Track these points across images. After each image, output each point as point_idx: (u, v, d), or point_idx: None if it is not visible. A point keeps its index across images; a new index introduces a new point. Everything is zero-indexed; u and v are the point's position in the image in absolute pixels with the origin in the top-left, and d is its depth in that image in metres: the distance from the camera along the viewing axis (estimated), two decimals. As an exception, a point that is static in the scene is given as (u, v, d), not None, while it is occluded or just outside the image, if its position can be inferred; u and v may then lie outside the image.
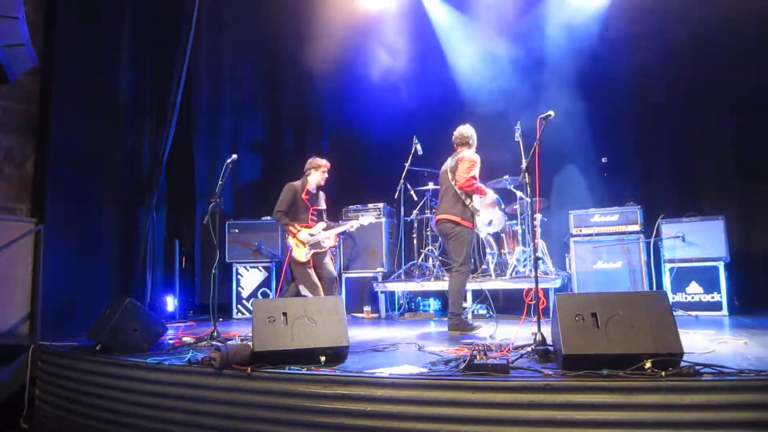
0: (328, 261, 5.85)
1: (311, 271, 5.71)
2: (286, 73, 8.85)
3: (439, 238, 5.71)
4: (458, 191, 5.29)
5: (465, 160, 5.32)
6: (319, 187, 5.95)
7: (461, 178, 5.27)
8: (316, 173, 5.84)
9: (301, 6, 8.46)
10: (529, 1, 7.94)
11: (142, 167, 7.44)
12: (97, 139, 6.97)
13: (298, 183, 5.88)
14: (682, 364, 3.00)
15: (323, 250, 5.82)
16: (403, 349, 4.32)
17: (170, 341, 4.91)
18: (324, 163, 5.88)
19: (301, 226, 5.74)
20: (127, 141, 7.35)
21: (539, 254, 6.77)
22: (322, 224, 5.89)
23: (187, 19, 7.35)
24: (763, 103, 6.84)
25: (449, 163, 5.50)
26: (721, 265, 6.03)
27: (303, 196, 5.80)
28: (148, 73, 7.60)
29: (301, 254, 5.70)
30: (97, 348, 4.46)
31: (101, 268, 6.91)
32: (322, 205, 6.00)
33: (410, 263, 7.28)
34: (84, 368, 4.37)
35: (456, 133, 5.58)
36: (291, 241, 5.76)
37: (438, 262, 7.03)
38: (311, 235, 5.72)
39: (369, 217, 6.39)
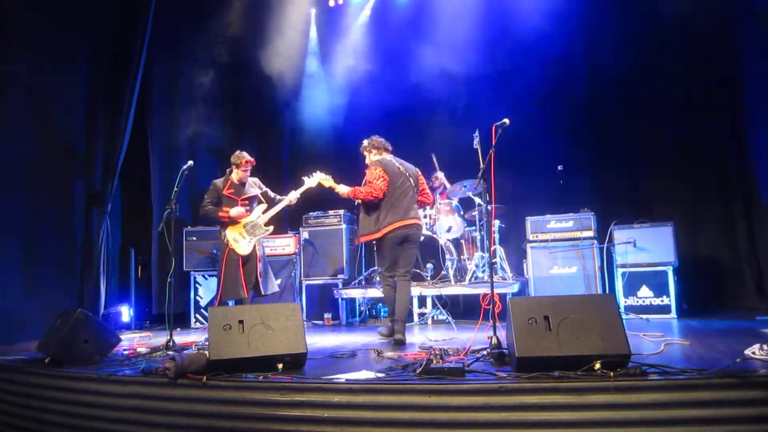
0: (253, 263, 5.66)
1: (243, 272, 5.54)
2: (246, 78, 8.79)
3: (407, 244, 5.20)
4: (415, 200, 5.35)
5: (422, 175, 5.50)
6: (244, 182, 5.76)
7: (429, 195, 5.52)
8: (237, 171, 5.68)
9: (261, 9, 8.44)
10: (488, 9, 8.10)
11: (95, 173, 7.28)
12: (47, 143, 6.80)
13: (221, 179, 5.80)
14: (630, 364, 3.10)
15: (265, 233, 5.70)
16: (361, 355, 4.33)
17: (124, 352, 4.81)
18: (244, 160, 5.64)
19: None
20: (79, 146, 7.18)
21: (496, 260, 6.91)
22: (262, 206, 5.76)
23: (143, 23, 7.26)
24: (707, 112, 7.14)
25: (406, 168, 5.32)
26: (670, 270, 6.24)
27: (226, 191, 5.68)
28: (102, 74, 7.46)
29: (242, 247, 5.55)
30: (47, 361, 4.33)
31: (52, 277, 6.73)
32: (252, 192, 5.80)
33: (371, 269, 7.30)
34: (32, 382, 4.22)
35: (385, 141, 5.47)
36: (228, 234, 5.59)
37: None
38: (246, 224, 5.60)
39: (313, 179, 5.80)
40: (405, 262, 5.19)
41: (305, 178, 5.77)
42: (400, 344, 4.83)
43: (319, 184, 5.59)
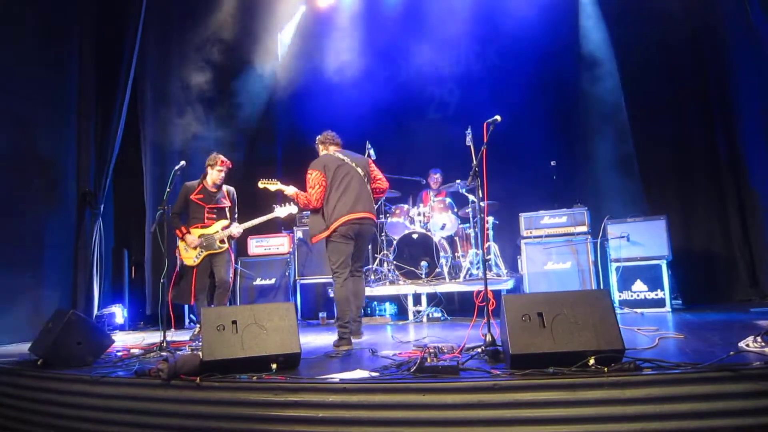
0: (222, 264, 5.62)
1: (198, 277, 5.59)
2: (237, 77, 8.75)
3: (361, 241, 5.00)
4: (370, 192, 5.05)
5: (372, 162, 5.29)
6: (218, 185, 5.71)
7: (383, 180, 5.21)
8: (212, 171, 5.63)
9: (252, 9, 8.40)
10: (479, 5, 8.09)
11: (88, 173, 7.24)
12: (38, 144, 6.75)
13: (193, 182, 5.73)
14: (624, 359, 3.09)
15: (219, 251, 5.63)
16: (356, 354, 4.32)
17: (118, 353, 4.77)
18: (220, 160, 5.61)
19: (197, 226, 5.61)
20: (72, 146, 7.14)
21: (490, 257, 6.91)
22: (222, 222, 5.69)
23: (134, 22, 7.21)
24: (698, 105, 7.16)
25: (352, 159, 5.05)
26: (663, 264, 6.25)
27: (194, 195, 5.62)
28: (94, 74, 7.41)
29: (189, 258, 5.60)
30: (39, 363, 4.30)
31: (45, 278, 6.69)
32: (224, 203, 5.75)
33: (365, 268, 7.27)
34: (25, 384, 4.19)
35: (334, 135, 5.23)
36: (180, 244, 5.65)
37: (393, 267, 7.06)
38: (201, 236, 5.60)
39: (284, 209, 5.95)
40: (356, 257, 5.02)
41: (276, 207, 5.87)
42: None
43: (266, 189, 5.28)
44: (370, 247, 7.38)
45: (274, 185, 5.20)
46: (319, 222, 4.90)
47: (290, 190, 5.10)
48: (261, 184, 5.28)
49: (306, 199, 4.93)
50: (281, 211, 5.93)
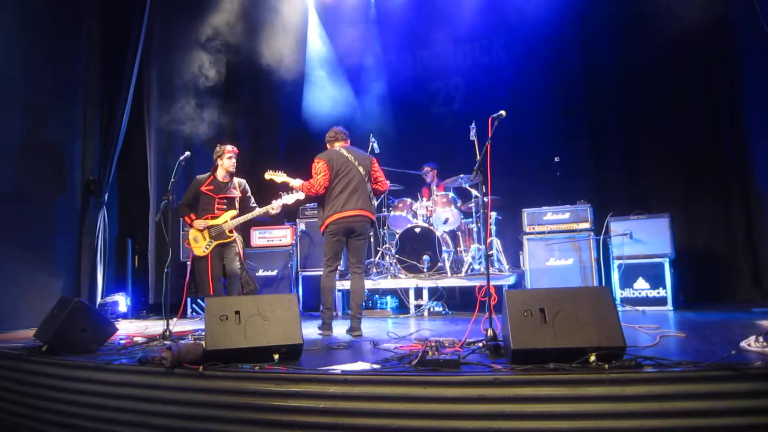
0: (233, 255, 5.58)
1: (213, 267, 5.50)
2: (242, 69, 8.74)
3: (354, 237, 5.17)
4: (371, 191, 5.22)
5: (376, 162, 5.37)
6: (231, 175, 5.70)
7: (384, 182, 5.35)
8: (222, 161, 5.63)
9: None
10: (486, 2, 8.06)
11: (93, 162, 7.27)
12: (44, 132, 6.78)
13: (204, 175, 5.73)
14: (625, 356, 3.10)
15: (228, 240, 5.56)
16: (357, 346, 4.34)
17: (121, 341, 4.81)
18: (228, 148, 5.64)
19: (207, 217, 5.55)
20: (77, 135, 7.16)
21: (492, 252, 6.91)
22: (232, 212, 5.64)
23: (139, 12, 7.20)
24: (705, 104, 7.14)
25: (355, 157, 5.19)
26: (666, 262, 6.24)
27: (205, 187, 5.60)
28: (99, 64, 7.43)
29: (200, 248, 5.53)
30: (44, 349, 4.33)
31: (50, 266, 6.73)
32: (234, 193, 5.71)
33: (367, 261, 7.29)
34: (30, 370, 4.24)
35: (344, 130, 5.43)
36: (190, 234, 5.59)
37: (395, 260, 7.07)
38: (210, 227, 5.52)
39: (291, 196, 5.78)
40: (353, 255, 5.21)
41: (283, 194, 5.73)
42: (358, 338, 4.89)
43: (272, 180, 5.51)
44: (372, 241, 7.40)
45: (280, 177, 5.46)
46: (320, 215, 5.21)
47: (296, 182, 5.35)
48: (268, 175, 5.51)
49: (309, 184, 5.12)
50: (289, 198, 5.88)
